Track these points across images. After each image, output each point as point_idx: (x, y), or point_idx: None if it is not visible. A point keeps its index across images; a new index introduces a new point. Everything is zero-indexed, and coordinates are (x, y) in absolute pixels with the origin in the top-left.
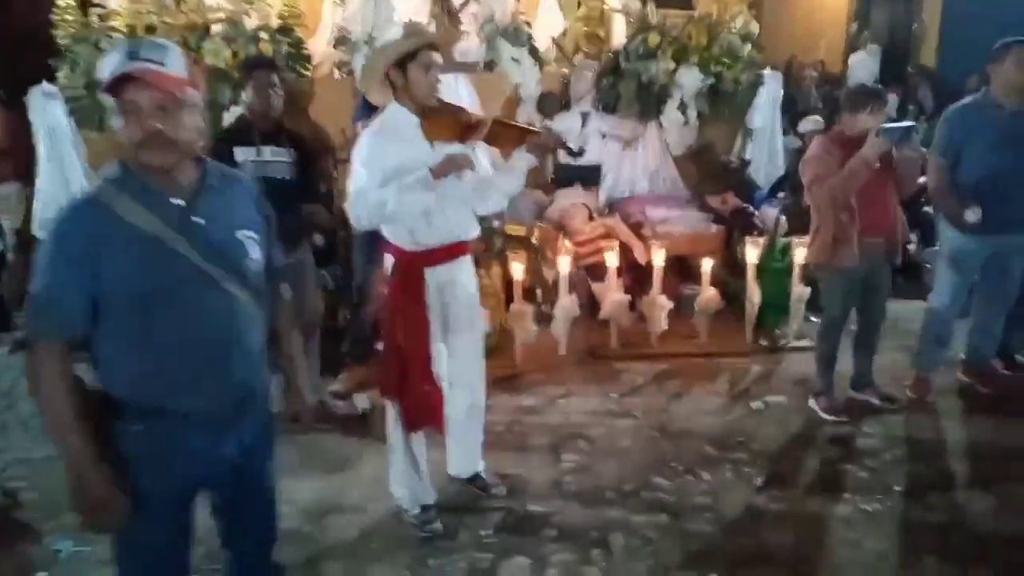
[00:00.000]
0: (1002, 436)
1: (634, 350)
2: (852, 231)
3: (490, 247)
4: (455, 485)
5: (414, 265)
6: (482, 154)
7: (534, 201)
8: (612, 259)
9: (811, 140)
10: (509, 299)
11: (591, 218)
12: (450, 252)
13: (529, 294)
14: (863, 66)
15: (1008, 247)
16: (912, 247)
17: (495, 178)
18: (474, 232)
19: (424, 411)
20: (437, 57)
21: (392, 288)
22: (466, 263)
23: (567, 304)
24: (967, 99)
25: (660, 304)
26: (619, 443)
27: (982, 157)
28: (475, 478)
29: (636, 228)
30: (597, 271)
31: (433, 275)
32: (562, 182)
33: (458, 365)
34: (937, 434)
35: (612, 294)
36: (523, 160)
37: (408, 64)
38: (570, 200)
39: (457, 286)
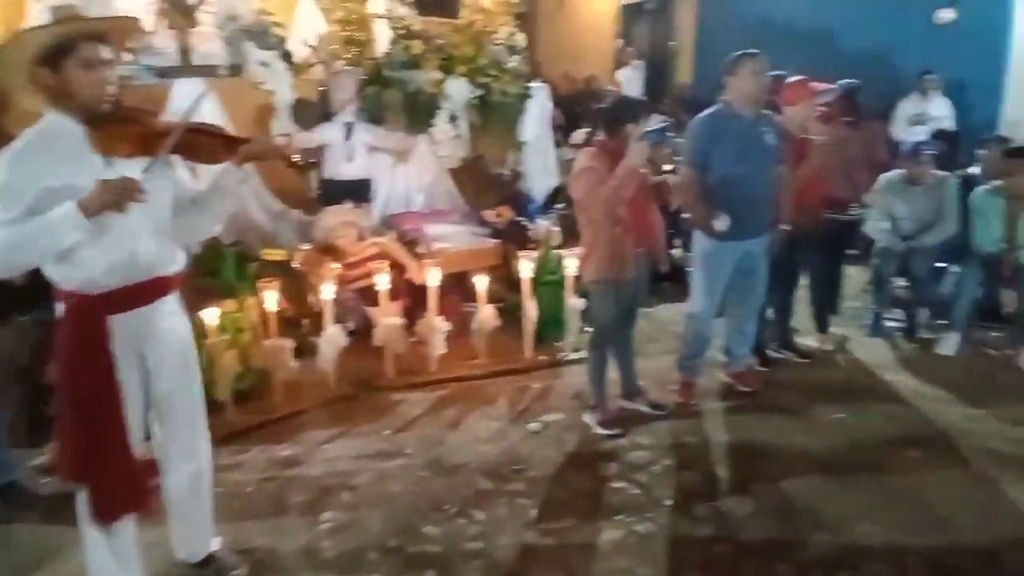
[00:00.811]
0: (757, 434)
1: (412, 378)
2: (627, 243)
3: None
4: (184, 572)
5: (93, 312)
6: (180, 169)
7: (296, 221)
8: (383, 281)
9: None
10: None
11: (361, 237)
12: (141, 292)
13: (294, 324)
14: (630, 81)
15: (755, 250)
16: (677, 252)
17: (202, 198)
18: (175, 265)
19: (123, 495)
20: (104, 51)
21: (63, 343)
22: (168, 303)
23: (332, 334)
24: (710, 110)
25: (436, 326)
26: (387, 489)
27: (726, 166)
28: (208, 561)
29: (412, 246)
30: (372, 294)
31: (121, 323)
32: (328, 199)
33: (172, 428)
34: (702, 438)
35: (385, 318)
36: (231, 175)
37: (63, 60)
38: (338, 218)
39: (158, 333)
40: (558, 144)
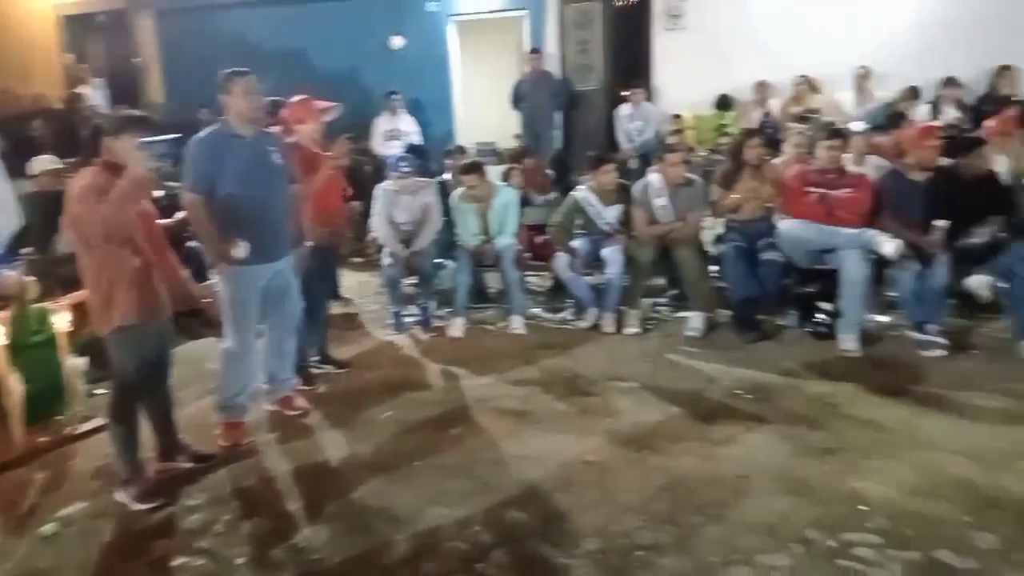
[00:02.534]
0: (316, 455)
1: None
2: (151, 278)
3: None
4: None
5: None
6: None
7: None
8: None
9: (47, 181)
10: None
11: None
12: None
13: None
14: (94, 99)
15: (281, 269)
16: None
17: None
18: None
19: None
20: None
21: None
22: None
23: None
24: (208, 129)
25: None
26: None
27: (233, 188)
28: None
29: None
30: None
31: None
32: None
33: None
34: (262, 477)
35: None
36: None
37: None
38: None
39: None
40: (13, 175)
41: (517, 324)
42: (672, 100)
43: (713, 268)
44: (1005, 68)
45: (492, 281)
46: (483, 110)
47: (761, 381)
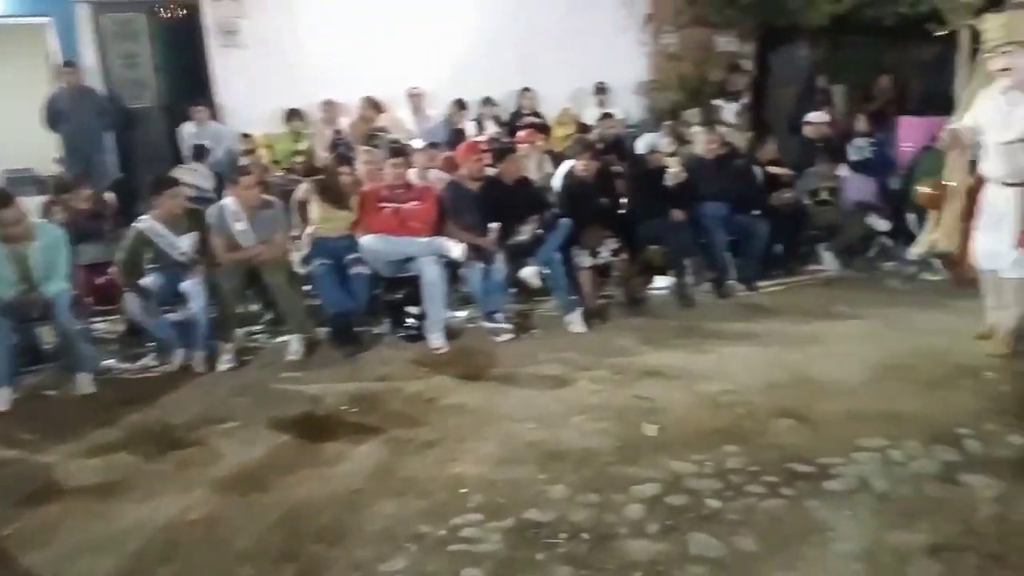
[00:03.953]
0: None
1: None
2: None
3: None
4: None
5: None
6: None
7: None
8: None
9: None
10: None
11: None
12: None
13: None
14: None
15: None
16: None
17: None
18: None
19: None
20: None
21: None
22: None
23: None
24: None
25: None
26: None
27: None
28: None
29: None
30: None
31: None
32: None
33: None
34: None
35: None
36: None
37: None
38: None
39: None
40: None
41: (84, 382)
42: (241, 118)
43: (306, 287)
44: (526, 89)
45: (48, 336)
46: (8, 132)
47: (364, 391)
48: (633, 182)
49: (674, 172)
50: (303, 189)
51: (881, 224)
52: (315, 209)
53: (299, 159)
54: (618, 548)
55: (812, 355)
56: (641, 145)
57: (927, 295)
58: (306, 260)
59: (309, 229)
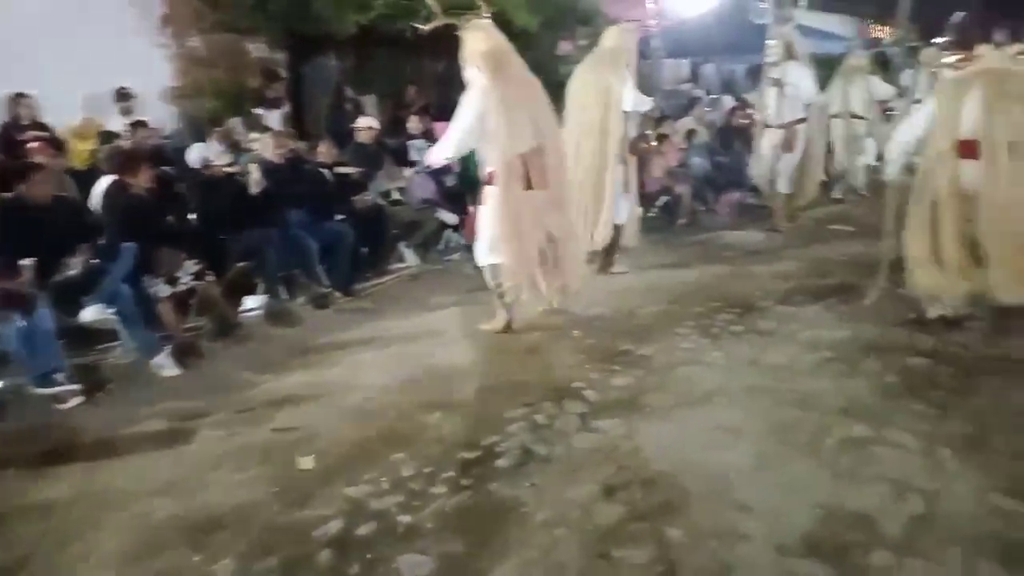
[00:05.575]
0: None
1: None
2: None
3: None
4: None
5: None
6: None
7: None
8: None
9: None
10: None
11: None
12: None
13: None
14: None
15: None
16: None
17: None
18: None
19: None
20: None
21: None
22: None
23: None
24: None
25: None
26: None
27: None
28: None
29: None
30: None
31: None
32: None
33: None
34: None
35: None
36: None
37: None
38: None
39: None
40: None
41: None
42: None
43: None
44: (21, 95)
45: None
46: None
47: None
48: (202, 195)
49: (256, 179)
50: None
51: (450, 218)
52: None
53: None
54: None
55: (431, 345)
56: (193, 156)
57: None
58: None
59: None
